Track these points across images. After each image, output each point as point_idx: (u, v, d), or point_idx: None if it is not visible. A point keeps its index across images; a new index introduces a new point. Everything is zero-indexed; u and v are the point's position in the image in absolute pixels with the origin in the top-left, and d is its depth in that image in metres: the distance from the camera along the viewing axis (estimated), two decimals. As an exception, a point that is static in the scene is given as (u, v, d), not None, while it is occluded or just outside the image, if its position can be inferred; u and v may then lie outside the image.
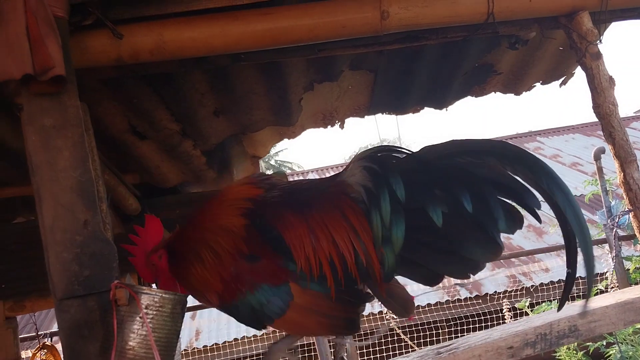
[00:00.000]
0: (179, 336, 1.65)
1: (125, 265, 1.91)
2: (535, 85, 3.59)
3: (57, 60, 1.70)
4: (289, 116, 3.07)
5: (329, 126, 3.52)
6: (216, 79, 2.62)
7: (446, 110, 3.61)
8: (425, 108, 3.54)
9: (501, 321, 7.06)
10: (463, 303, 7.81)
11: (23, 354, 4.46)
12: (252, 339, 7.64)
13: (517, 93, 3.59)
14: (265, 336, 7.59)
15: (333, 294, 1.74)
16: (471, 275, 1.77)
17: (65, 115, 1.76)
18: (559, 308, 1.82)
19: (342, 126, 3.57)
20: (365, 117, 3.55)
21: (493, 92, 3.56)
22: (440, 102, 3.49)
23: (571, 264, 1.70)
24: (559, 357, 4.59)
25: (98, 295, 1.72)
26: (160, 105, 2.70)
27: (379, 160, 1.77)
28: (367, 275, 1.75)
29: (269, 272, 1.75)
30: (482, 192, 1.67)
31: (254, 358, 7.63)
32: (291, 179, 2.15)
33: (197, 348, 7.74)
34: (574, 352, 4.65)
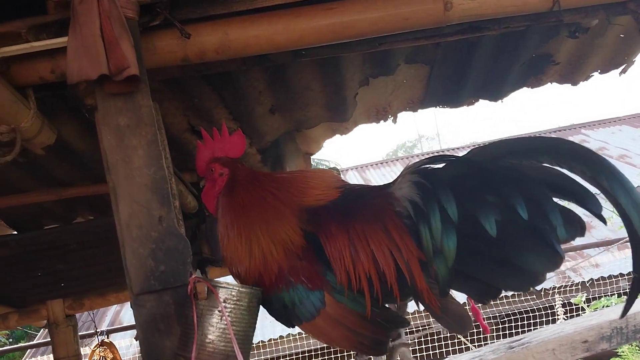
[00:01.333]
0: (254, 330, 1.66)
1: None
2: (592, 75, 3.49)
3: (131, 61, 1.73)
4: (344, 112, 3.07)
5: (382, 121, 3.50)
6: (274, 77, 2.64)
7: (501, 102, 3.55)
8: (480, 100, 3.50)
9: (555, 317, 6.91)
10: (511, 299, 7.67)
11: (82, 351, 4.57)
12: (298, 336, 7.67)
13: (574, 83, 3.50)
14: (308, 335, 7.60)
15: (369, 312, 1.71)
16: (531, 288, 1.72)
17: (139, 115, 1.80)
18: (623, 314, 1.69)
19: (394, 120, 3.55)
20: (418, 110, 3.52)
21: (549, 83, 3.49)
22: (496, 93, 3.42)
23: (637, 268, 1.57)
24: (622, 354, 4.47)
25: (173, 290, 1.75)
26: (220, 104, 2.73)
27: (429, 174, 1.72)
28: (411, 292, 1.71)
29: (308, 275, 1.74)
30: (537, 196, 1.59)
31: (299, 356, 7.67)
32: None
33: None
34: (637, 348, 4.51)
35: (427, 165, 1.76)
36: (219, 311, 1.57)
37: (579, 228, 1.61)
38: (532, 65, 3.18)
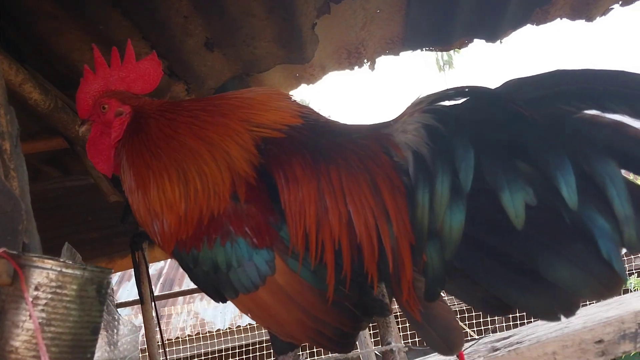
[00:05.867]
0: (97, 331, 1.10)
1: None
2: (612, 8, 2.89)
3: None
4: (302, 49, 2.48)
5: (356, 67, 2.91)
6: (201, -3, 2.06)
7: (500, 42, 2.95)
8: (475, 40, 2.90)
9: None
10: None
11: None
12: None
13: (590, 18, 2.90)
14: None
15: (330, 295, 1.20)
16: (562, 317, 1.10)
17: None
18: None
19: (372, 67, 2.96)
20: (401, 54, 2.92)
21: (559, 18, 2.88)
22: (493, 31, 2.83)
23: None
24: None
25: (-3, 270, 1.20)
26: (136, 34, 2.16)
27: (448, 116, 1.15)
28: (392, 283, 1.19)
29: (253, 225, 1.22)
30: (598, 172, 0.99)
31: (302, 353, 7.22)
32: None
33: (241, 326, 7.39)
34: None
35: (448, 103, 1.19)
36: (26, 304, 1.01)
37: None
38: (537, -6, 2.58)
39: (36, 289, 1.02)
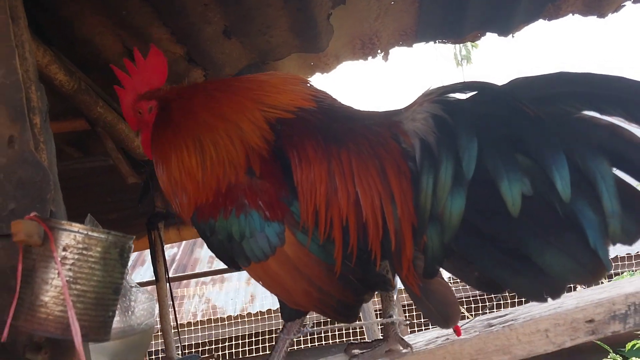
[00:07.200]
0: (118, 291, 1.20)
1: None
2: (624, 5, 2.92)
3: None
4: (316, 38, 2.55)
5: (370, 57, 2.97)
6: (220, -15, 2.14)
7: (512, 37, 2.99)
8: (487, 34, 2.95)
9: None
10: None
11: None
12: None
13: (602, 15, 2.93)
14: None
15: (338, 269, 1.29)
16: (549, 299, 1.19)
17: (-21, -4, 1.33)
18: None
19: (385, 57, 3.02)
20: (414, 45, 2.98)
21: (570, 14, 2.92)
22: (505, 25, 2.87)
23: None
24: (645, 335, 3.92)
25: (28, 235, 1.30)
26: (156, 20, 2.24)
27: (455, 107, 1.24)
28: (394, 260, 1.28)
29: (267, 199, 1.32)
30: (591, 168, 1.08)
31: (308, 323, 7.28)
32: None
33: (251, 313, 7.47)
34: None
35: (456, 95, 1.27)
36: (55, 263, 1.11)
37: None
38: (548, -11, 2.62)
39: (64, 249, 1.11)
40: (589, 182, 1.08)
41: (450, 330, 1.47)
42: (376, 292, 1.51)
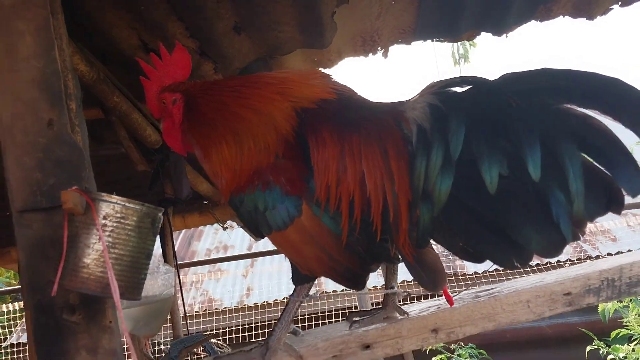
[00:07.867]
0: (149, 257, 1.35)
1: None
2: (612, 8, 3.07)
3: None
4: (321, 35, 2.70)
5: (370, 54, 3.12)
6: (232, -17, 2.29)
7: (506, 36, 3.15)
8: (482, 33, 3.10)
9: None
10: (516, 272, 7.27)
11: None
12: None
13: (591, 17, 3.08)
14: (317, 295, 7.34)
15: (344, 237, 1.46)
16: (518, 266, 1.37)
17: (25, -8, 1.47)
18: None
19: (385, 54, 3.17)
20: (412, 43, 3.13)
21: (561, 16, 3.07)
22: (498, 25, 3.02)
23: None
24: (627, 324, 4.10)
25: (65, 208, 1.45)
26: (172, 15, 2.38)
27: (449, 98, 1.42)
28: (392, 230, 1.45)
29: (288, 177, 1.50)
30: (560, 152, 1.24)
31: (305, 316, 7.43)
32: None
33: (247, 305, 7.62)
34: (646, 318, 4.14)
35: (453, 87, 1.45)
36: (97, 229, 1.26)
37: (610, 205, 1.27)
38: (540, -8, 2.77)
39: (104, 218, 1.27)
40: (559, 164, 1.24)
41: (442, 300, 1.63)
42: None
